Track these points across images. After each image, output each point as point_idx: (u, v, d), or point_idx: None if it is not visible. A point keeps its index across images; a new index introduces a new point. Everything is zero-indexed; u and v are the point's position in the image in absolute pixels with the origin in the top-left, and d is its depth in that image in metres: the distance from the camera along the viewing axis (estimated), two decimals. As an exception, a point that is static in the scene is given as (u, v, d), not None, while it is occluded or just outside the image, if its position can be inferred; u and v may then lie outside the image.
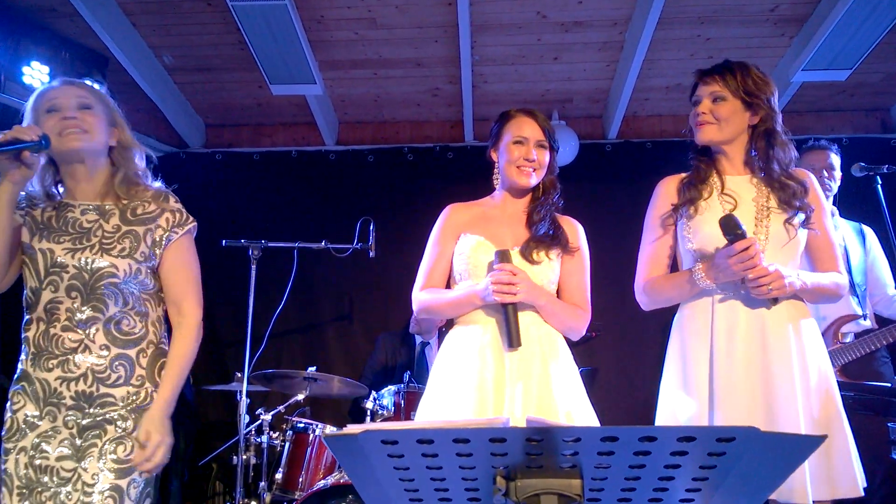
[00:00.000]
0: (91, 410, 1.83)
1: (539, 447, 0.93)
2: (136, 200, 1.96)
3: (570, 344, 2.22)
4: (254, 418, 3.51)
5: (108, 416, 1.83)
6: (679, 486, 1.03)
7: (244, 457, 3.37)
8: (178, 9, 3.94)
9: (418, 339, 4.09)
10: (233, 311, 4.51)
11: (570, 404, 2.05)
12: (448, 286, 2.23)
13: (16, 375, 1.90)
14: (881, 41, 3.90)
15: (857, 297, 3.11)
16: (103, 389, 1.84)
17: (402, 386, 3.40)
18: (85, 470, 1.78)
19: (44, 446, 1.80)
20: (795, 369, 1.90)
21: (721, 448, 0.88)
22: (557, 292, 2.20)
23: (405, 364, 3.98)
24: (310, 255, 4.18)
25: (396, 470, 1.01)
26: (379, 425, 0.95)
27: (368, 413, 3.33)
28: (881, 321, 3.18)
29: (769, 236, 1.97)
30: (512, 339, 1.99)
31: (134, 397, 1.87)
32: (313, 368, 3.50)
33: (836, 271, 2.05)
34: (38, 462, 1.79)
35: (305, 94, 4.62)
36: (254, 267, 3.58)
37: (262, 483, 3.35)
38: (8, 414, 1.85)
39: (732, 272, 1.87)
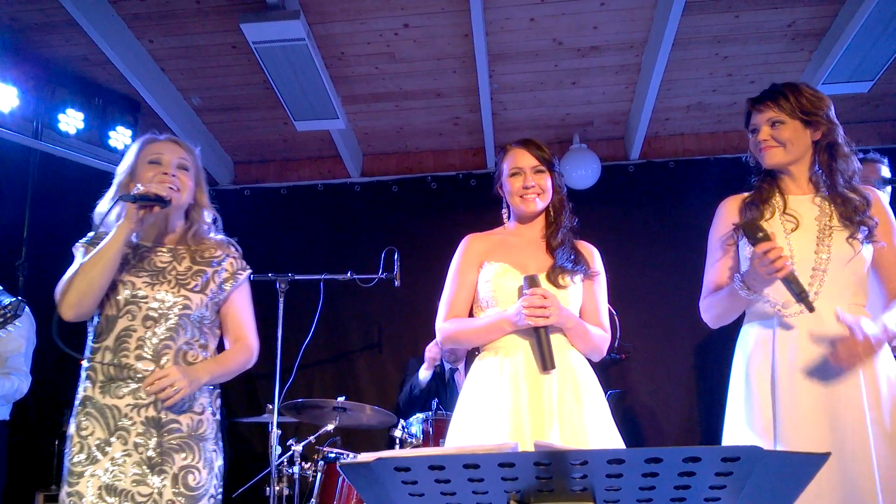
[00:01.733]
0: (159, 436, 1.95)
1: (549, 471, 0.95)
2: (204, 246, 2.18)
3: (601, 366, 2.23)
4: (285, 449, 3.54)
5: (175, 443, 1.96)
6: (693, 507, 1.03)
7: (277, 488, 3.40)
8: (205, 52, 4.08)
9: (447, 366, 4.10)
10: (263, 344, 4.56)
11: (600, 428, 2.05)
12: (471, 315, 2.26)
13: (78, 400, 2.00)
14: (901, 51, 3.87)
15: None
16: (171, 416, 1.97)
17: (431, 413, 3.41)
18: (160, 495, 1.90)
19: (118, 471, 1.90)
20: (863, 389, 1.86)
21: (728, 468, 0.89)
22: (579, 315, 2.22)
23: (434, 390, 3.99)
24: (337, 287, 4.24)
25: (412, 496, 1.03)
26: (391, 452, 0.98)
27: (398, 441, 3.34)
28: None
29: (831, 255, 1.94)
30: (546, 361, 2.01)
31: (197, 425, 2.02)
32: (343, 398, 3.53)
33: None
34: (115, 485, 1.89)
35: (329, 129, 4.72)
36: (281, 300, 3.65)
37: (295, 514, 3.38)
38: (76, 438, 1.95)
39: (761, 277, 1.85)
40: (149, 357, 1.98)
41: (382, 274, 3.89)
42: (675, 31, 3.77)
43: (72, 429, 1.98)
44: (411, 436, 3.39)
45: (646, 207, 5.03)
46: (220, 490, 2.07)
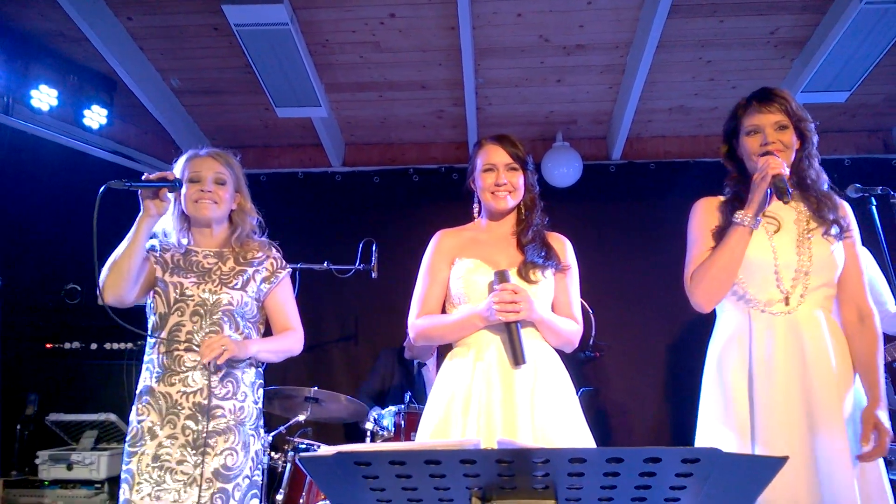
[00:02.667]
0: (204, 420, 2.17)
1: (511, 468, 0.94)
2: (247, 248, 2.41)
3: (575, 363, 2.23)
4: (254, 439, 3.50)
5: (218, 426, 2.18)
6: (655, 508, 1.03)
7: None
8: (185, 33, 4.01)
9: (415, 361, 4.09)
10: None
11: (570, 423, 2.05)
12: (443, 312, 2.25)
13: (139, 391, 2.25)
14: (879, 63, 3.92)
15: None
16: (215, 402, 2.20)
17: (403, 406, 3.39)
18: (200, 475, 2.13)
19: (166, 451, 2.15)
20: (837, 388, 1.89)
21: (687, 469, 0.88)
22: (550, 308, 2.22)
23: (402, 385, 3.97)
24: (315, 277, 4.20)
25: (373, 491, 1.02)
26: (351, 447, 0.96)
27: (368, 434, 3.32)
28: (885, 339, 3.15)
29: (813, 258, 1.97)
30: (517, 356, 2.02)
31: (239, 411, 2.24)
32: (315, 388, 3.50)
33: (864, 299, 2.04)
34: (163, 464, 2.13)
35: (311, 117, 4.67)
36: (256, 287, 3.59)
37: (263, 504, 3.35)
38: (134, 423, 2.20)
39: (755, 184, 1.93)
40: (197, 349, 2.20)
41: (360, 265, 3.87)
42: (660, 34, 3.78)
43: (132, 416, 2.23)
44: (383, 428, 3.37)
45: (626, 207, 5.05)
46: (257, 472, 2.30)
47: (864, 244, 3.26)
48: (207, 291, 2.27)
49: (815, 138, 2.08)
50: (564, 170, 4.88)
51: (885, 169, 4.90)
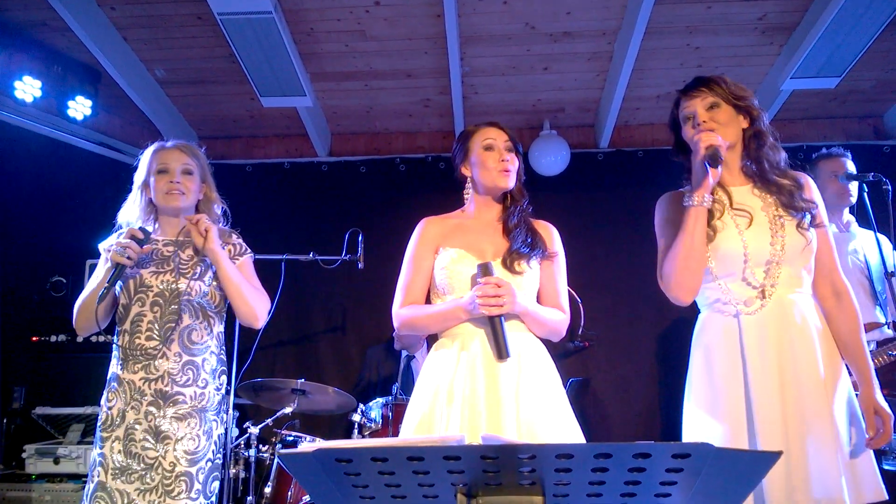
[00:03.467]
0: (166, 406, 2.22)
1: (496, 464, 0.92)
2: None
3: (564, 354, 2.21)
4: (242, 432, 3.48)
5: (179, 412, 2.23)
6: (643, 502, 1.01)
7: (232, 471, 3.35)
8: (169, 22, 3.95)
9: (403, 353, 4.07)
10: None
11: (556, 416, 2.04)
12: (428, 301, 2.22)
13: (108, 377, 2.31)
14: (869, 48, 3.90)
15: (879, 304, 3.08)
16: (176, 388, 2.25)
17: (391, 398, 3.38)
18: (164, 458, 2.19)
19: (133, 436, 2.20)
20: (821, 372, 1.88)
21: (678, 464, 0.87)
22: (537, 297, 2.20)
23: (390, 377, 3.96)
24: (301, 268, 4.17)
25: (355, 488, 1.00)
26: (332, 443, 0.94)
27: (356, 426, 3.31)
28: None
29: (785, 246, 1.95)
30: (501, 350, 1.99)
31: (200, 397, 2.28)
32: (302, 380, 3.48)
33: (837, 275, 2.03)
34: (129, 449, 2.20)
35: (296, 106, 4.62)
36: (242, 279, 3.57)
37: (251, 497, 3.33)
38: (104, 409, 2.27)
39: (697, 165, 1.95)
40: (156, 338, 2.27)
41: (346, 255, 3.84)
42: (648, 20, 3.75)
43: (102, 401, 2.29)
44: (370, 420, 3.35)
45: (614, 196, 5.03)
46: (219, 455, 2.34)
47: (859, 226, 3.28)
48: (165, 282, 2.31)
49: (765, 116, 2.06)
50: (552, 158, 4.86)
51: (876, 155, 4.89)
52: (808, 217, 1.98)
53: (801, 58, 3.95)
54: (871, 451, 1.90)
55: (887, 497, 1.85)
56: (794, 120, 5.01)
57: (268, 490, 3.29)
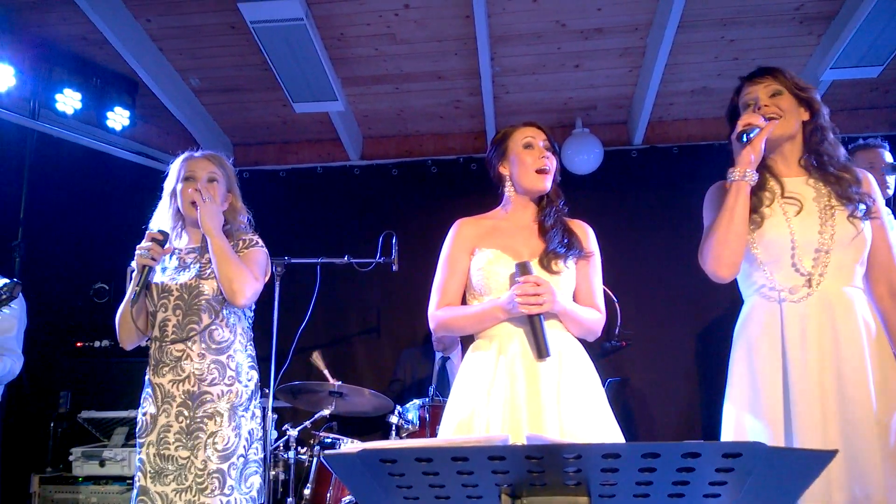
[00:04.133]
0: (195, 406, 2.27)
1: (541, 465, 0.91)
2: (232, 242, 2.43)
3: (601, 354, 2.18)
4: (281, 434, 3.52)
5: (208, 411, 2.27)
6: (692, 503, 0.99)
7: (272, 473, 3.38)
8: (203, 32, 4.02)
9: (438, 355, 4.07)
10: (258, 328, 4.55)
11: (597, 416, 2.02)
12: (464, 302, 2.22)
13: (144, 385, 2.37)
14: (913, 35, 3.80)
15: None
16: (203, 388, 2.29)
17: (427, 399, 3.38)
18: (196, 457, 2.24)
19: (165, 439, 2.26)
20: (869, 372, 1.83)
21: (728, 464, 0.85)
22: (573, 296, 2.18)
23: (425, 379, 3.96)
24: (335, 271, 4.20)
25: (399, 489, 1.00)
26: (376, 444, 0.94)
27: (393, 428, 3.32)
28: None
29: (835, 236, 1.91)
30: (541, 349, 1.97)
31: (228, 395, 2.31)
32: (339, 383, 3.50)
33: (894, 274, 1.97)
34: (162, 451, 2.26)
35: (328, 111, 4.66)
36: (278, 283, 3.61)
37: (291, 499, 3.36)
38: (139, 416, 2.35)
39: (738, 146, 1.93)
40: (179, 339, 2.31)
41: (380, 258, 3.86)
42: (681, 13, 3.69)
43: (139, 409, 2.36)
44: (407, 422, 3.36)
45: (648, 193, 4.97)
46: (255, 451, 2.37)
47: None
48: (184, 286, 2.36)
49: (826, 110, 2.03)
50: (585, 156, 4.82)
51: (921, 145, 4.75)
52: (863, 208, 1.93)
53: (842, 47, 3.85)
54: None
55: None
56: (835, 111, 4.76)
57: (307, 491, 3.32)
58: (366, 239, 4.13)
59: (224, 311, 2.38)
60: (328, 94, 4.31)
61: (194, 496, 2.22)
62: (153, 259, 2.30)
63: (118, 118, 4.38)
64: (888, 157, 3.13)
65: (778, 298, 1.93)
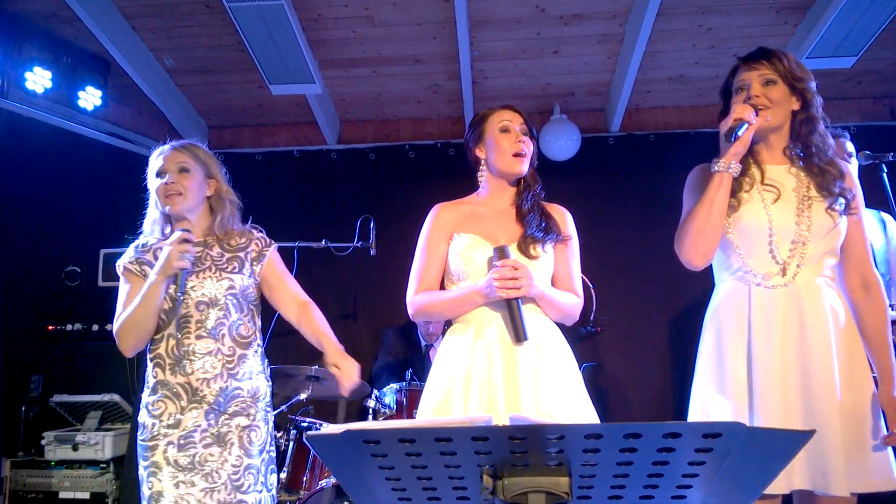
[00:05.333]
0: (226, 403, 2.21)
1: (524, 445, 0.92)
2: (230, 236, 2.40)
3: (576, 339, 2.20)
4: (258, 418, 3.49)
5: (238, 407, 2.23)
6: (670, 483, 1.01)
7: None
8: (178, 11, 3.94)
9: (423, 342, 4.07)
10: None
11: (574, 399, 2.04)
12: (442, 288, 2.22)
13: (150, 387, 2.24)
14: (887, 27, 3.85)
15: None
16: (235, 383, 2.24)
17: (405, 384, 3.39)
18: (230, 454, 2.18)
19: (191, 439, 2.16)
20: (835, 361, 1.86)
21: (708, 444, 0.86)
22: (551, 281, 2.19)
23: (402, 363, 3.96)
24: (312, 255, 4.17)
25: (381, 469, 1.00)
26: (360, 425, 0.94)
27: (370, 412, 3.32)
28: None
29: (812, 227, 1.92)
30: (519, 333, 1.98)
31: (256, 390, 2.29)
32: (317, 367, 3.48)
33: (869, 268, 2.00)
34: (188, 451, 2.15)
35: (305, 94, 4.61)
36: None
37: (268, 483, 3.35)
38: (148, 420, 2.21)
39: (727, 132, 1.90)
40: (206, 336, 2.23)
41: (358, 242, 3.85)
42: (660, 1, 3.71)
43: (142, 415, 2.23)
44: (385, 406, 3.36)
45: (625, 180, 5.01)
46: (272, 447, 2.34)
47: (874, 208, 3.25)
48: (208, 279, 2.27)
49: (819, 100, 2.00)
50: (562, 143, 4.84)
51: (892, 136, 4.82)
52: (842, 202, 1.94)
53: (817, 37, 3.89)
54: (889, 449, 1.86)
55: None
56: (808, 101, 4.95)
57: (283, 475, 3.31)
58: (343, 223, 4.11)
59: (249, 306, 2.34)
60: (305, 77, 4.26)
61: (230, 494, 2.15)
62: (191, 262, 2.19)
63: (90, 98, 4.29)
64: (849, 147, 3.18)
65: (749, 282, 1.95)
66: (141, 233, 2.42)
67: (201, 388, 2.19)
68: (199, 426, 2.18)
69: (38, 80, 4.05)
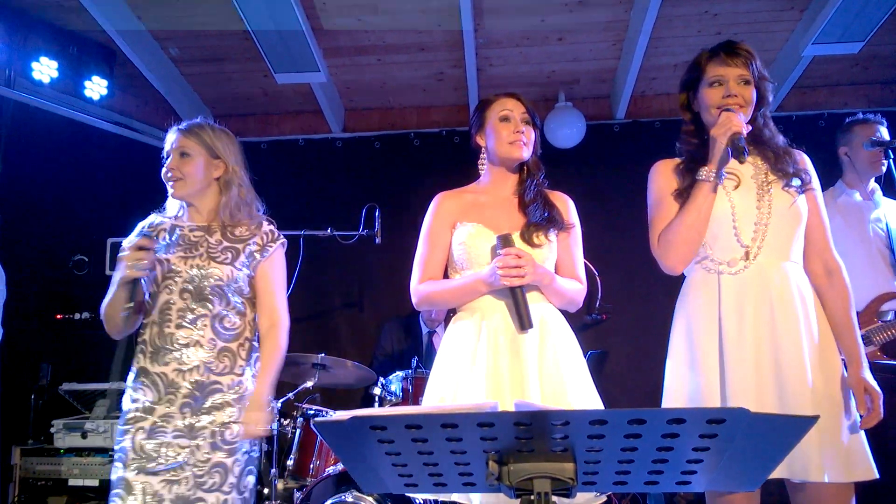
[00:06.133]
0: (203, 397, 2.13)
1: (529, 431, 0.93)
2: (236, 224, 2.32)
3: (581, 327, 2.21)
4: (264, 406, 3.52)
5: (217, 402, 2.14)
6: (674, 468, 1.02)
7: (256, 444, 3.39)
8: (183, 0, 3.93)
9: (425, 329, 4.08)
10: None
11: (579, 386, 2.05)
12: (445, 276, 2.22)
13: (133, 374, 2.20)
14: (894, 12, 3.81)
15: None
16: (213, 377, 2.16)
17: (410, 371, 3.40)
18: (198, 448, 2.10)
19: (162, 428, 2.09)
20: (804, 343, 1.88)
21: (712, 430, 0.87)
22: (554, 268, 2.20)
23: (411, 351, 3.98)
24: (317, 244, 4.18)
25: (388, 455, 1.01)
26: (367, 411, 0.95)
27: (376, 399, 3.34)
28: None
29: (772, 209, 1.95)
30: (523, 321, 1.99)
31: (238, 385, 2.19)
32: (322, 355, 3.51)
33: (829, 253, 2.03)
34: (157, 439, 2.09)
35: (310, 83, 4.61)
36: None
37: (274, 470, 3.37)
38: (129, 406, 2.16)
39: (718, 141, 1.91)
40: (188, 325, 2.16)
41: (363, 231, 3.85)
42: (666, -13, 3.69)
43: (125, 400, 2.18)
44: (390, 394, 3.38)
45: (630, 167, 4.94)
46: (256, 448, 2.26)
47: (884, 195, 3.24)
48: (195, 267, 2.20)
49: (771, 98, 2.05)
50: (567, 130, 4.82)
51: (899, 123, 4.80)
52: (797, 182, 1.98)
53: (824, 23, 3.87)
54: (863, 432, 1.89)
55: (878, 476, 1.84)
56: (815, 87, 4.93)
57: (290, 463, 3.34)
58: (348, 211, 4.12)
59: (235, 298, 2.25)
60: (310, 65, 4.26)
61: (189, 490, 2.06)
62: (146, 270, 2.09)
63: (96, 88, 4.30)
64: (884, 133, 3.14)
65: (717, 270, 1.97)
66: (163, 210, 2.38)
67: (176, 379, 2.13)
68: (172, 418, 2.10)
69: (45, 70, 4.07)
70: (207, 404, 2.13)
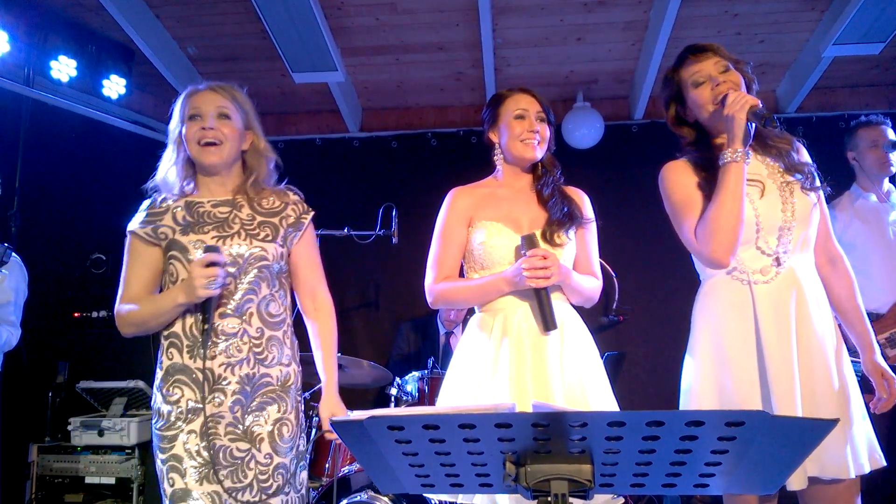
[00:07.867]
0: (254, 391, 1.93)
1: (546, 432, 0.92)
2: (262, 195, 2.08)
3: (599, 328, 2.19)
4: (280, 405, 3.53)
5: (269, 396, 1.95)
6: (693, 470, 1.01)
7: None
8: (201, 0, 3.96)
9: (442, 330, 4.08)
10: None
11: (597, 387, 2.04)
12: (461, 275, 2.21)
13: (162, 371, 1.95)
14: (916, 12, 3.77)
15: None
16: (262, 370, 1.95)
17: (427, 372, 3.39)
18: (258, 450, 1.91)
19: (215, 431, 1.89)
20: (829, 342, 1.87)
21: (731, 432, 0.86)
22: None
23: (427, 351, 3.97)
24: (334, 243, 4.19)
25: (405, 455, 1.01)
26: (384, 411, 0.95)
27: (392, 399, 3.34)
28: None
29: (796, 212, 1.90)
30: (548, 322, 1.98)
31: (286, 377, 2.00)
32: (338, 354, 3.51)
33: (832, 242, 2.03)
34: (212, 443, 1.88)
35: (328, 82, 4.62)
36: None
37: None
38: (164, 407, 1.92)
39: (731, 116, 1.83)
40: (231, 313, 1.93)
41: (380, 231, 3.85)
42: (686, -13, 3.66)
43: (157, 400, 1.95)
44: (406, 394, 3.38)
45: (649, 168, 4.90)
46: (302, 440, 2.07)
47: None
48: (237, 245, 1.95)
49: (756, 83, 2.00)
50: (585, 131, 4.80)
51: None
52: (811, 180, 1.95)
53: (844, 23, 3.82)
54: (869, 421, 1.87)
55: (885, 464, 1.84)
56: (836, 88, 4.87)
57: (306, 462, 3.35)
58: (365, 211, 4.12)
59: (281, 280, 2.05)
60: (328, 65, 4.27)
61: (255, 496, 1.89)
62: (221, 287, 1.87)
63: (114, 86, 4.34)
64: (891, 134, 3.13)
65: (748, 280, 1.90)
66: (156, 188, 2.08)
67: (224, 374, 1.90)
68: (223, 417, 1.89)
69: (63, 68, 4.10)
70: (257, 401, 1.93)
